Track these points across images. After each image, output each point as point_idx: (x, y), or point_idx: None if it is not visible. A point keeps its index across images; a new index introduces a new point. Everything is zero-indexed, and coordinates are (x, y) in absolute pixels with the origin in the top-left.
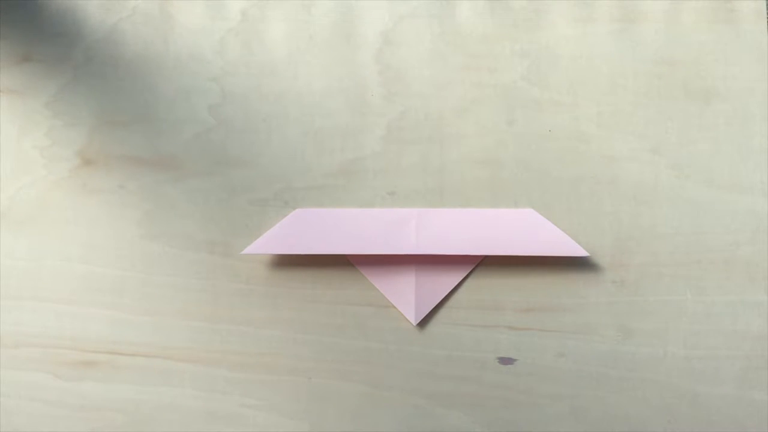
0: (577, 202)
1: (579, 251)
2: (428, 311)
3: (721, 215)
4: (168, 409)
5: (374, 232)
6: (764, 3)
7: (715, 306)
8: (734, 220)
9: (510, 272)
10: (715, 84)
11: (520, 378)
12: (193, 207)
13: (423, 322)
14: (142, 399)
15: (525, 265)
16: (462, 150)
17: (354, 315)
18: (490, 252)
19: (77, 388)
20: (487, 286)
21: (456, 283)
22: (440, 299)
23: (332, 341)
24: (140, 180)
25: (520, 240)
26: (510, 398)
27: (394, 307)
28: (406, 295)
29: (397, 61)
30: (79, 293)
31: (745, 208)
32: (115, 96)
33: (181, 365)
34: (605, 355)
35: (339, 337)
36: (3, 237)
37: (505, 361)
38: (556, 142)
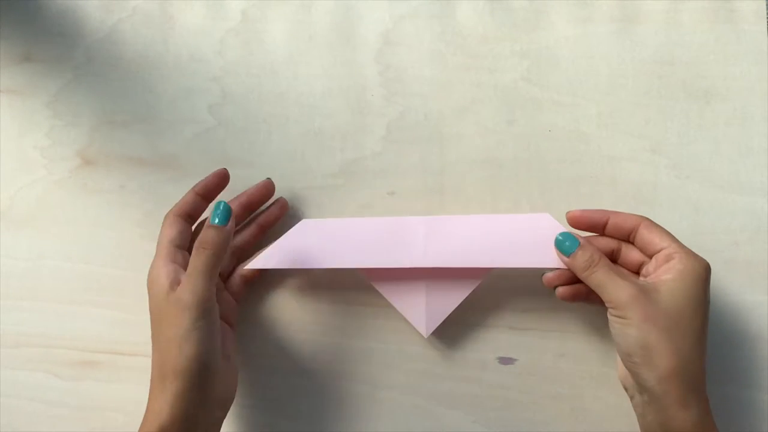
0: (577, 202)
1: None
2: (439, 323)
3: (721, 215)
4: None
5: (382, 244)
6: (764, 3)
7: (715, 306)
8: (734, 220)
9: (510, 272)
10: (715, 84)
11: (520, 378)
12: None
13: None
14: (142, 399)
15: None
16: (462, 150)
17: (354, 315)
18: (502, 265)
19: (77, 388)
20: (487, 287)
21: (466, 295)
22: (451, 311)
23: (332, 341)
24: (141, 180)
25: (533, 251)
26: (510, 398)
27: (395, 308)
28: (417, 308)
29: (397, 61)
30: (79, 293)
31: (745, 208)
32: (115, 96)
33: None
34: (605, 355)
35: (339, 337)
36: (3, 237)
37: (505, 361)
38: (556, 142)
